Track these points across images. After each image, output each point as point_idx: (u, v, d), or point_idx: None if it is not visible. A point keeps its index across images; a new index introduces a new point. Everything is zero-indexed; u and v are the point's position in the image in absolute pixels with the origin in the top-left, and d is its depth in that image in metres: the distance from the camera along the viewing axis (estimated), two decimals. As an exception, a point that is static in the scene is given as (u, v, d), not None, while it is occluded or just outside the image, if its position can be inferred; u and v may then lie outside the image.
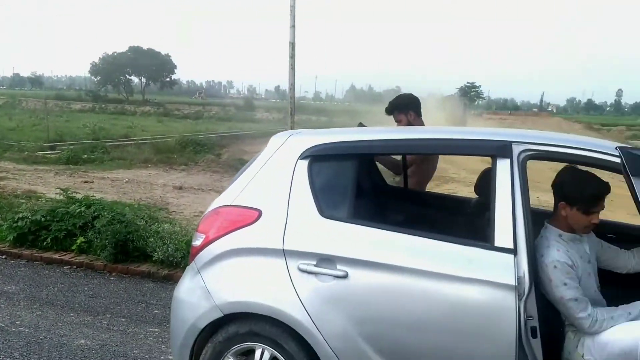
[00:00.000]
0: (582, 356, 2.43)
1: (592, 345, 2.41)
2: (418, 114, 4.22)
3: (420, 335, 2.43)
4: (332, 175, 2.85)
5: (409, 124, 4.15)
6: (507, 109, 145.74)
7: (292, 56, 10.73)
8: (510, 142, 2.50)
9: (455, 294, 2.38)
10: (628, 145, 2.04)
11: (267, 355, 2.67)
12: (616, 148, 1.98)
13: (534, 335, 2.32)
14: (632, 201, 2.32)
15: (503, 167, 2.47)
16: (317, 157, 2.76)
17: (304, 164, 2.73)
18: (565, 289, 2.39)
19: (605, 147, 2.36)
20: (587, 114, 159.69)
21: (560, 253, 2.46)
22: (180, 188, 11.28)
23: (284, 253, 2.60)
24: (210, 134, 23.61)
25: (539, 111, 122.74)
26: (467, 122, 35.32)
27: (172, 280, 5.51)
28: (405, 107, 4.20)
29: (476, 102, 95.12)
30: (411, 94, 4.30)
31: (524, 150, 2.48)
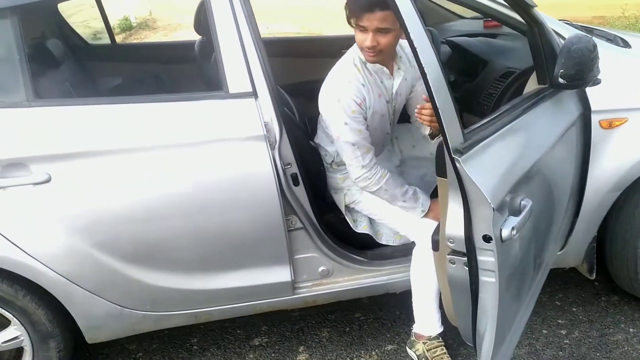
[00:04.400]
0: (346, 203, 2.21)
1: (361, 198, 2.17)
2: None
3: (166, 223, 1.92)
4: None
5: None
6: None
7: None
8: None
9: (195, 163, 1.89)
10: None
11: None
12: None
13: (296, 183, 2.00)
14: None
15: None
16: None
17: None
18: (344, 129, 1.93)
19: None
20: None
21: (351, 85, 1.94)
22: None
23: None
24: None
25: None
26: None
27: None
28: None
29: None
30: None
31: None
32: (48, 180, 1.81)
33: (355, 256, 2.18)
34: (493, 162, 1.44)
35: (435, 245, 1.49)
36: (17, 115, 1.83)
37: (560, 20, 2.54)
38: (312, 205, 2.06)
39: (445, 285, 1.50)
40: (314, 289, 2.17)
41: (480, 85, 2.48)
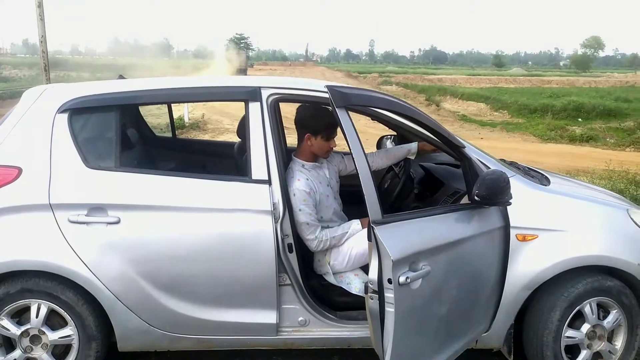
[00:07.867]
0: (329, 263, 2.98)
1: (337, 252, 2.97)
2: None
3: (193, 265, 2.70)
4: (95, 127, 2.90)
5: None
6: (276, 59, 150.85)
7: (40, 5, 9.76)
8: (259, 87, 2.85)
9: (221, 224, 2.70)
10: (335, 84, 2.53)
11: (43, 309, 2.70)
12: (325, 86, 2.43)
13: (290, 251, 2.77)
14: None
15: (254, 110, 2.81)
16: (77, 110, 2.78)
17: (64, 117, 2.74)
18: (299, 214, 2.85)
19: (322, 86, 2.78)
20: (346, 62, 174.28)
21: (300, 182, 2.90)
22: None
23: (51, 207, 2.63)
24: (-58, 100, 19.85)
25: (305, 61, 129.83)
26: (247, 72, 36.19)
27: None
28: None
29: (247, 54, 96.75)
30: None
31: (271, 94, 2.86)
32: (118, 222, 2.65)
33: (327, 313, 2.87)
34: (400, 234, 2.24)
35: (365, 289, 2.22)
36: (106, 176, 2.72)
37: (511, 161, 3.39)
38: (300, 269, 2.81)
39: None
40: (293, 334, 2.86)
41: (437, 199, 3.31)
